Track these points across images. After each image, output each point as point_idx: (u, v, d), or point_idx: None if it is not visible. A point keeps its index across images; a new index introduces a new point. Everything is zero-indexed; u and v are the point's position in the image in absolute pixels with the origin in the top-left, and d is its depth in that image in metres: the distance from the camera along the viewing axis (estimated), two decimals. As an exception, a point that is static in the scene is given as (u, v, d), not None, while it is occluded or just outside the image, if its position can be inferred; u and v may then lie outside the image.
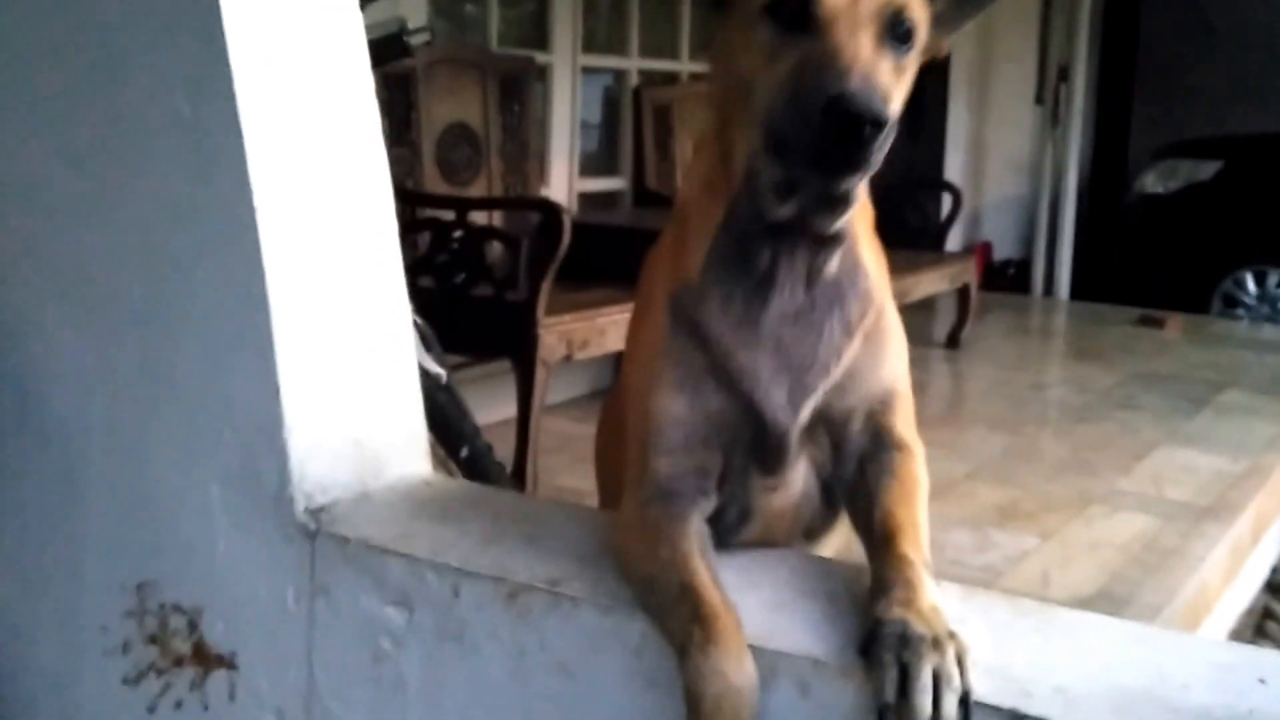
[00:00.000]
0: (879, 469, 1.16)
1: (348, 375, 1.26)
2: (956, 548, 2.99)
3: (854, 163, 0.98)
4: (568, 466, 3.44)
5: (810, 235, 1.09)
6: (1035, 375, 5.07)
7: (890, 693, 0.94)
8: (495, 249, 3.50)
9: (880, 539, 1.10)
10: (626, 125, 4.82)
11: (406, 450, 1.30)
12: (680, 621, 1.04)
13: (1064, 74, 6.78)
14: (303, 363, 1.21)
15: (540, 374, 3.33)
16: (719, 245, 1.12)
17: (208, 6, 1.16)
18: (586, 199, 4.73)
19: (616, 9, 4.80)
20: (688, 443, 1.13)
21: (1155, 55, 8.93)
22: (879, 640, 0.98)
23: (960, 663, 0.95)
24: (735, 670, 0.99)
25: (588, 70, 4.64)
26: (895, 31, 1.02)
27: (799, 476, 1.17)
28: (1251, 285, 6.30)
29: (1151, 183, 6.75)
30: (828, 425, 1.15)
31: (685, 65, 5.11)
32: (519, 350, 3.32)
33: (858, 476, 1.17)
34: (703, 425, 1.13)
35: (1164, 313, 5.97)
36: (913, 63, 1.06)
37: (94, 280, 1.33)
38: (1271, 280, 6.25)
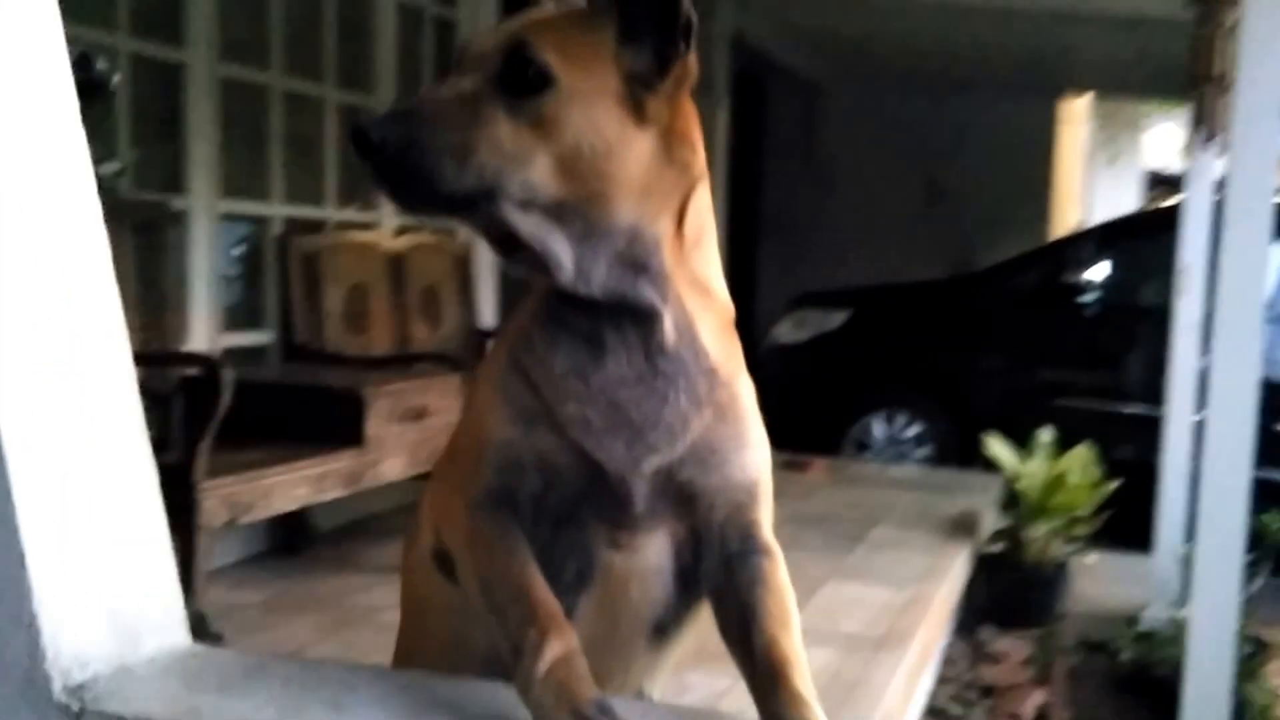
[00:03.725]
0: (750, 578, 1.19)
1: (95, 538, 1.20)
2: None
3: (380, 179, 1.08)
4: (231, 640, 3.33)
5: (623, 308, 1.16)
6: (698, 522, 5.32)
7: None
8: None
9: (768, 672, 1.13)
10: (271, 275, 4.72)
11: (163, 619, 1.24)
12: (516, 623, 1.11)
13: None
14: (47, 524, 1.14)
15: (202, 542, 3.20)
16: (545, 307, 1.20)
17: None
18: (231, 355, 4.57)
19: (257, 151, 4.74)
20: (513, 465, 1.18)
21: (776, 211, 9.91)
22: None
23: None
24: (562, 650, 1.07)
25: (228, 216, 4.53)
26: (518, 75, 1.09)
27: (653, 547, 1.21)
28: (880, 428, 7.00)
29: (785, 333, 7.41)
30: (687, 503, 1.19)
31: (333, 212, 5.10)
32: (177, 516, 3.13)
33: (726, 580, 1.20)
34: (530, 456, 1.18)
35: (805, 457, 6.50)
36: (569, 110, 1.10)
37: None
38: (898, 423, 6.98)
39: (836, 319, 7.17)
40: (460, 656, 1.29)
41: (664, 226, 1.17)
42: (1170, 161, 13.87)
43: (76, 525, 1.16)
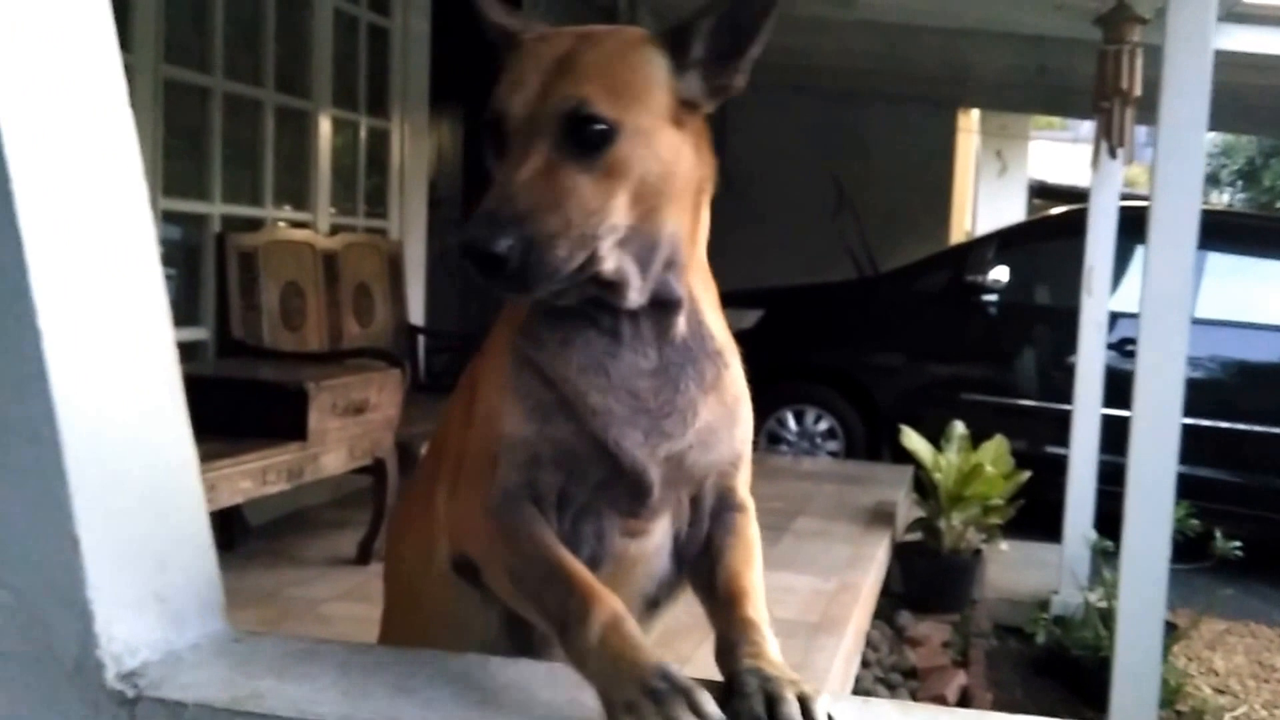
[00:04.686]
0: (723, 529, 1.23)
1: (144, 522, 1.15)
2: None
3: (505, 290, 1.06)
4: None
5: (650, 304, 1.16)
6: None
7: (759, 707, 1.00)
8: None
9: (724, 601, 1.16)
10: (209, 272, 4.62)
11: (206, 605, 1.20)
12: (556, 600, 1.09)
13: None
14: (98, 509, 1.09)
15: None
16: (545, 306, 1.17)
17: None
18: (171, 349, 4.45)
19: (196, 150, 4.64)
20: (531, 460, 1.16)
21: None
22: (738, 682, 1.03)
23: (820, 696, 1.01)
24: (610, 614, 1.06)
25: (168, 214, 4.43)
26: (582, 131, 1.07)
27: (659, 527, 1.22)
28: (792, 423, 7.07)
29: (701, 332, 7.43)
30: (688, 481, 1.21)
31: (270, 211, 5.01)
32: None
33: (706, 535, 1.23)
34: (549, 449, 1.16)
35: (725, 450, 6.52)
36: (633, 149, 1.09)
37: None
38: (809, 418, 7.06)
39: (750, 318, 7.21)
40: (469, 645, 1.28)
41: (688, 221, 1.19)
42: (1051, 173, 14.30)
43: (127, 510, 1.11)
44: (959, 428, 5.12)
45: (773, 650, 1.09)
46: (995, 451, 4.93)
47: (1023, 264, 6.98)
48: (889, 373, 7.07)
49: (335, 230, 5.35)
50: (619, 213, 1.09)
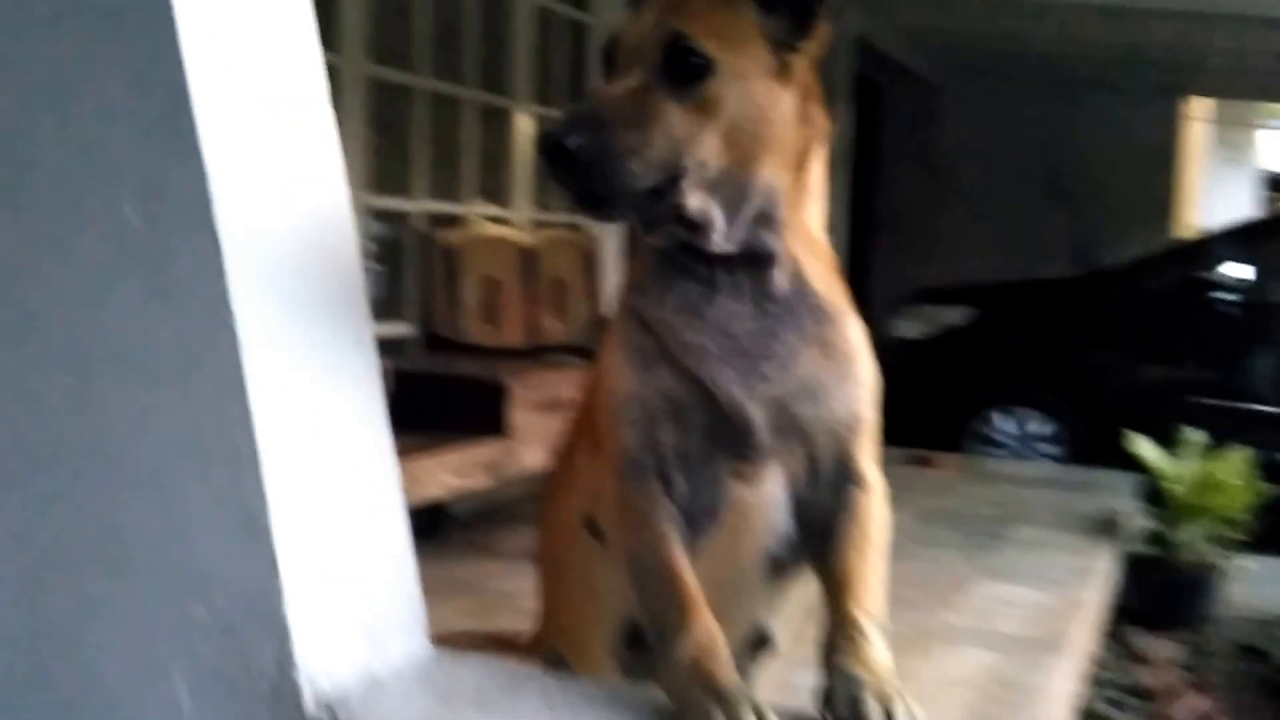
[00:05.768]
0: (841, 507, 1.23)
1: (344, 542, 1.07)
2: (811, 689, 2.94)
3: (572, 190, 1.08)
4: None
5: (743, 256, 1.18)
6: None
7: (845, 714, 1.03)
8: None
9: (831, 591, 1.18)
10: (413, 268, 4.67)
11: (408, 626, 1.11)
12: (659, 603, 1.15)
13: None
14: (299, 526, 1.02)
15: None
16: (658, 256, 1.22)
17: (171, 91, 0.98)
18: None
19: (401, 150, 4.70)
20: (645, 416, 1.20)
21: (892, 209, 9.65)
22: (828, 685, 1.07)
23: (907, 703, 1.05)
24: (705, 635, 1.10)
25: (374, 211, 4.50)
26: (680, 63, 1.11)
27: (772, 479, 1.23)
28: (1004, 424, 6.72)
29: (905, 328, 7.16)
30: (799, 435, 1.22)
31: (472, 208, 5.05)
32: None
33: (825, 508, 1.24)
34: (657, 400, 1.20)
35: (931, 452, 6.25)
36: (727, 88, 1.12)
37: (9, 422, 1.08)
38: (1024, 420, 6.70)
39: (957, 314, 6.91)
40: (599, 608, 1.34)
41: (788, 179, 1.20)
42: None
43: (327, 527, 1.03)
44: (1195, 434, 4.74)
45: (874, 650, 1.11)
46: (1235, 462, 4.54)
47: (1262, 260, 6.45)
48: (1112, 373, 6.63)
49: (534, 226, 5.33)
50: (707, 151, 1.11)
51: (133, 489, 1.04)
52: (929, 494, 5.44)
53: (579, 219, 5.81)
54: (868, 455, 1.26)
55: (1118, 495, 5.29)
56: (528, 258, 5.13)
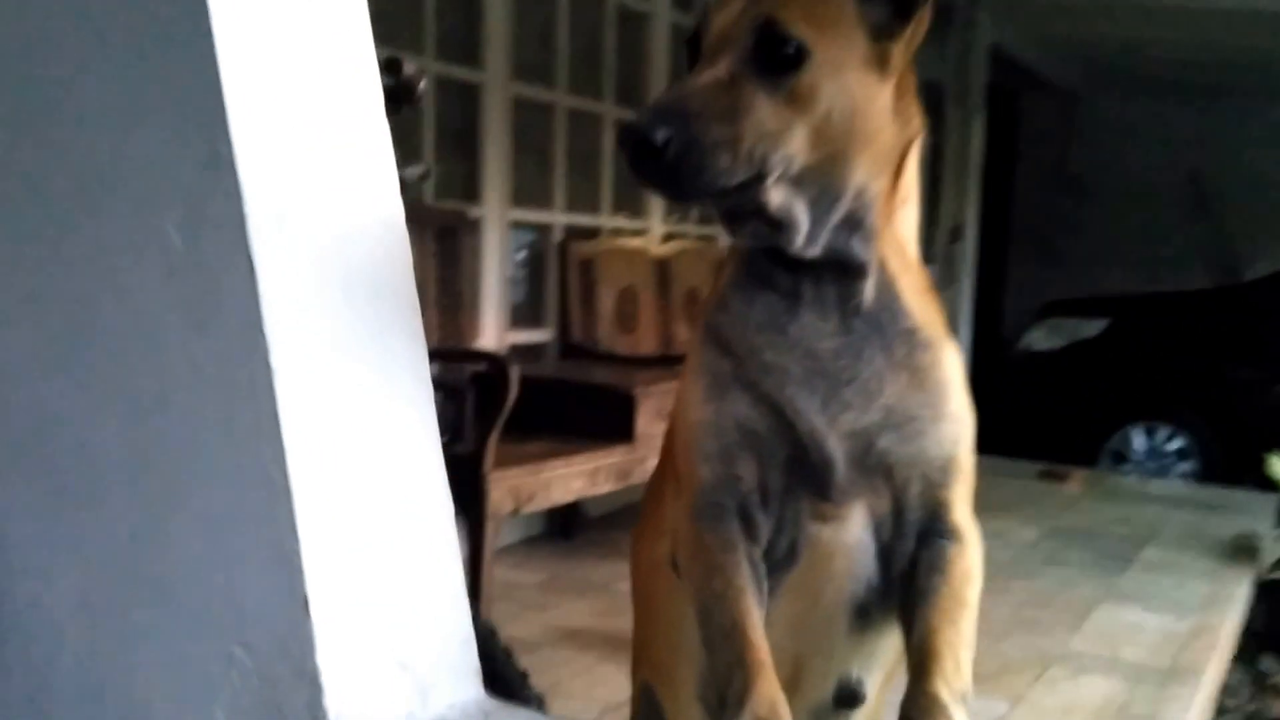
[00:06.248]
0: (930, 562, 1.07)
1: (385, 578, 0.97)
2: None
3: (656, 185, 0.97)
4: (514, 615, 3.27)
5: (830, 264, 1.05)
6: (956, 529, 4.90)
7: None
8: (437, 400, 3.24)
9: (916, 662, 1.03)
10: (552, 278, 4.63)
11: (456, 671, 1.01)
12: (725, 661, 1.03)
13: (956, 234, 6.85)
14: (334, 563, 0.92)
15: (489, 528, 3.11)
16: (740, 267, 1.10)
17: (209, 111, 0.89)
18: (515, 351, 4.50)
19: (542, 164, 4.67)
20: (723, 450, 1.08)
21: (1027, 220, 9.23)
22: None
23: None
24: (767, 708, 0.98)
25: (516, 224, 4.47)
26: (772, 51, 0.98)
27: (856, 518, 1.08)
28: (1140, 441, 6.32)
29: (1038, 339, 6.81)
30: (885, 474, 1.07)
31: (607, 220, 4.99)
32: (468, 504, 3.13)
33: (912, 561, 1.08)
34: (734, 432, 1.07)
35: (1064, 467, 5.92)
36: (821, 79, 0.99)
37: (60, 453, 1.02)
38: (1160, 435, 6.29)
39: (1092, 327, 6.52)
40: (684, 653, 1.20)
41: (882, 184, 1.07)
42: None
43: (366, 565, 0.93)
44: (1341, 456, 4.35)
45: None
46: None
47: None
48: (1252, 390, 6.16)
49: (668, 238, 5.28)
50: (796, 145, 0.99)
51: (180, 521, 0.96)
52: (1058, 510, 5.14)
53: (711, 231, 5.70)
54: (962, 502, 1.09)
55: (1257, 517, 4.90)
56: (661, 268, 5.07)
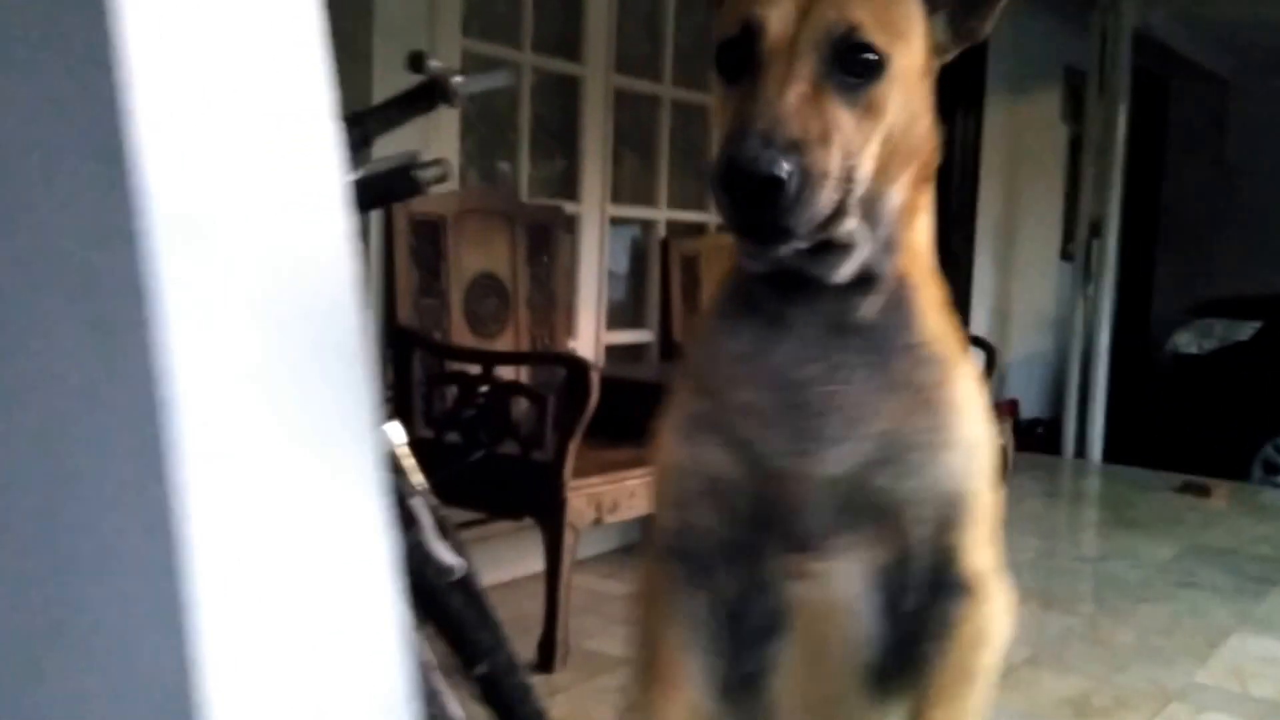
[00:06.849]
0: (937, 623, 0.95)
1: (300, 640, 0.87)
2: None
3: (763, 228, 0.87)
4: (599, 629, 3.18)
5: (827, 281, 0.97)
6: (1082, 545, 4.63)
7: None
8: (521, 405, 3.17)
9: None
10: (653, 277, 4.53)
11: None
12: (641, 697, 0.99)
13: (1096, 230, 6.47)
14: (235, 640, 0.82)
15: (568, 538, 3.04)
16: (726, 292, 1.05)
17: (102, 89, 0.79)
18: (613, 352, 4.40)
19: (645, 160, 4.56)
20: (681, 497, 1.02)
21: (1177, 214, 8.71)
22: None
23: None
24: None
25: (616, 221, 4.38)
26: (850, 60, 0.90)
27: (846, 572, 0.97)
28: (1293, 452, 5.87)
29: (1186, 342, 6.40)
30: (886, 516, 0.95)
31: (711, 216, 4.85)
32: (546, 513, 3.05)
33: (917, 620, 0.96)
34: (696, 479, 1.01)
35: (1207, 480, 5.53)
36: (892, 89, 0.92)
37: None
38: (1318, 447, 5.83)
39: (1245, 329, 6.09)
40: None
41: (911, 196, 1.00)
42: None
43: (278, 621, 0.84)
44: None
45: None
46: None
47: None
48: None
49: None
50: (870, 161, 0.91)
51: (78, 558, 0.88)
52: (1199, 527, 4.79)
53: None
54: (978, 547, 0.96)
55: None
56: (769, 266, 4.91)
